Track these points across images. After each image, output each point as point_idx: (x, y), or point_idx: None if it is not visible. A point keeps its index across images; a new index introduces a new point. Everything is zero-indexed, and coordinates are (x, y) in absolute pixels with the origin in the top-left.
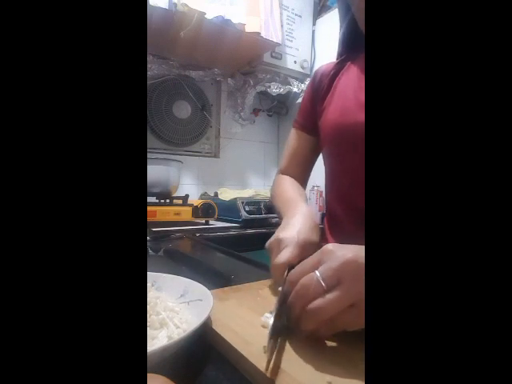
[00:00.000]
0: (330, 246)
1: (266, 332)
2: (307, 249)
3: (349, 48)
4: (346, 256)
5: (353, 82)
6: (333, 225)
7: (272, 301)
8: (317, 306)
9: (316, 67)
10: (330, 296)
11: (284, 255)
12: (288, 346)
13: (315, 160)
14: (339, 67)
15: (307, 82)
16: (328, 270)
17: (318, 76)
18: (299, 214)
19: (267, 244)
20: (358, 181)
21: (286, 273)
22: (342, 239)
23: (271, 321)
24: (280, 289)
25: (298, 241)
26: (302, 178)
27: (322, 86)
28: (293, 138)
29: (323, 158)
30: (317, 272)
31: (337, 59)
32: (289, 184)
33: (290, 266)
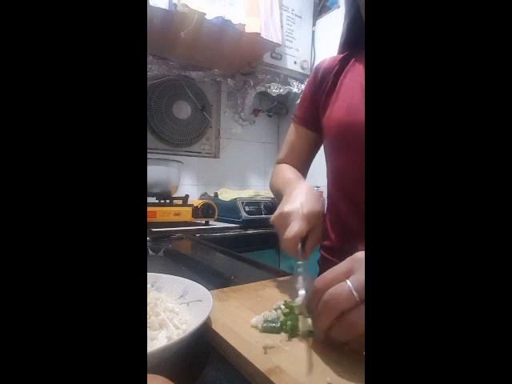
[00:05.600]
0: (361, 255)
1: (259, 332)
2: (312, 219)
3: (352, 43)
4: None
5: (359, 80)
6: (335, 221)
7: (272, 301)
8: (353, 320)
9: None
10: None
11: (293, 228)
12: (288, 346)
13: (314, 155)
14: (343, 64)
15: None
16: (361, 281)
17: (320, 71)
18: (299, 188)
19: (272, 220)
20: (363, 179)
21: (299, 245)
22: (344, 235)
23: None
24: (301, 292)
25: (303, 212)
26: (301, 172)
27: (326, 82)
28: (292, 132)
29: (325, 154)
30: (348, 282)
31: (338, 53)
32: (287, 169)
33: (302, 238)
